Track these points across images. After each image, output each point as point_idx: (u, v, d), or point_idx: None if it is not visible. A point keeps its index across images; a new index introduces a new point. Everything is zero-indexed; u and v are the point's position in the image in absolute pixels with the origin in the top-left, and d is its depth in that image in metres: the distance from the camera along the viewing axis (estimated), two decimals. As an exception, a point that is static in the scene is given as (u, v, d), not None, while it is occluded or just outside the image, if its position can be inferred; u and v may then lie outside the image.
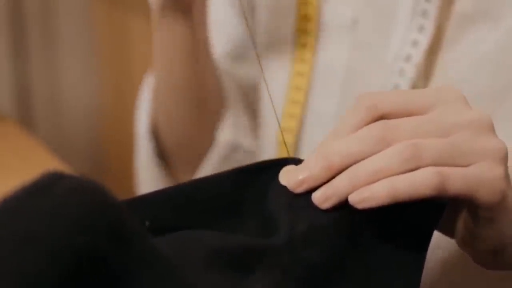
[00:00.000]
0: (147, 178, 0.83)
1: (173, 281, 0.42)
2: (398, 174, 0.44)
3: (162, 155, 0.81)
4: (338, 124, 0.48)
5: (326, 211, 0.46)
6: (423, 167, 0.44)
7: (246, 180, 0.50)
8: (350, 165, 0.46)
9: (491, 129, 0.47)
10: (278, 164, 0.49)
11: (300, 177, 0.46)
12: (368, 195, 0.44)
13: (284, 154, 0.73)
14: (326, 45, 0.72)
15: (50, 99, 1.63)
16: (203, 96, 0.78)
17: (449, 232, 0.52)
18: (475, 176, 0.45)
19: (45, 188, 0.39)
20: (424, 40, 0.66)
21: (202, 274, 0.45)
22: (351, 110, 0.47)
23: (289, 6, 0.73)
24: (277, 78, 0.75)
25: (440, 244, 0.63)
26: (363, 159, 0.45)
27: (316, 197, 0.46)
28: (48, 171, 0.40)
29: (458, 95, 0.48)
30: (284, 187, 0.48)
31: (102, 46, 1.61)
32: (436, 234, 0.51)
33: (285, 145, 0.73)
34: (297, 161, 0.49)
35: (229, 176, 0.50)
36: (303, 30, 0.73)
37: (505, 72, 0.65)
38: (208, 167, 0.80)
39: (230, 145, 0.81)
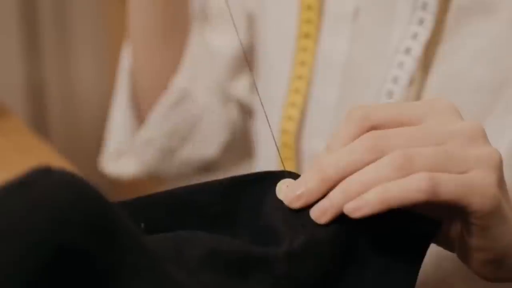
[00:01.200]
0: (119, 120, 0.87)
1: (162, 279, 0.42)
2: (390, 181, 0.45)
3: (135, 99, 0.85)
4: (332, 137, 0.48)
5: (323, 225, 0.46)
6: (415, 173, 0.44)
7: (240, 190, 0.50)
8: (345, 177, 0.46)
9: (484, 137, 0.47)
10: (274, 176, 0.49)
11: (297, 192, 0.47)
12: (360, 203, 0.44)
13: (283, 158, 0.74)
14: (327, 35, 0.73)
15: (63, 97, 1.64)
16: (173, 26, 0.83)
17: (447, 245, 0.52)
18: (467, 183, 0.45)
19: (29, 183, 0.39)
20: (424, 33, 0.67)
21: (195, 274, 0.45)
22: (344, 122, 0.48)
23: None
24: (280, 67, 0.76)
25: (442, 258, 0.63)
26: (357, 169, 0.46)
27: (314, 212, 0.46)
28: (36, 166, 0.40)
29: (450, 106, 0.48)
30: (281, 201, 0.48)
31: (115, 44, 1.61)
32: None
33: (281, 156, 0.75)
34: (294, 175, 0.49)
35: (223, 184, 0.50)
36: (306, 20, 0.73)
37: (503, 64, 0.65)
38: (160, 111, 0.83)
39: (181, 92, 0.84)
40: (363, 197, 0.44)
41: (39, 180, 0.39)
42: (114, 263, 0.40)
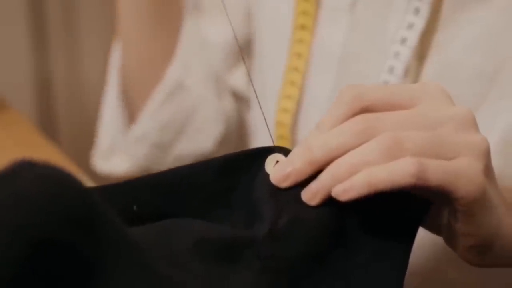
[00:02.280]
0: (109, 118, 0.86)
1: (145, 272, 0.42)
2: (378, 164, 0.45)
3: (125, 96, 0.85)
4: (324, 116, 0.48)
5: (312, 206, 0.47)
6: (403, 156, 0.44)
7: (234, 167, 0.50)
8: (334, 159, 0.46)
9: (474, 125, 0.47)
10: (265, 152, 0.49)
11: (285, 172, 0.47)
12: (348, 186, 0.44)
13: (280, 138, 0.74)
14: (324, 27, 0.73)
15: (69, 93, 1.64)
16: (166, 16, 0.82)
17: (435, 229, 0.52)
18: (454, 169, 0.45)
19: (10, 176, 0.39)
20: (420, 22, 0.67)
21: (183, 263, 0.45)
22: (336, 101, 0.48)
23: None
24: (276, 59, 0.76)
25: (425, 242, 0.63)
26: (345, 152, 0.46)
27: (305, 194, 0.47)
28: (18, 159, 0.40)
29: (443, 91, 0.48)
30: (268, 175, 0.48)
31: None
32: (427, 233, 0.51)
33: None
34: (285, 151, 0.49)
35: (215, 163, 0.50)
36: (303, 11, 0.73)
37: (498, 52, 0.65)
38: (152, 104, 0.82)
39: (175, 83, 0.83)
40: (350, 180, 0.44)
41: (21, 173, 0.39)
42: (96, 256, 0.40)
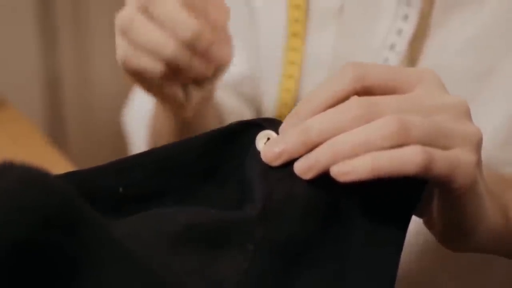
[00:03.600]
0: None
1: (130, 268, 0.42)
2: (383, 148, 0.43)
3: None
4: (323, 83, 0.47)
5: (305, 181, 0.45)
6: (410, 144, 0.44)
7: (221, 143, 0.49)
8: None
9: (469, 115, 0.47)
10: (255, 125, 0.48)
11: (277, 150, 0.46)
12: (349, 169, 0.43)
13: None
14: (314, 33, 0.73)
15: (79, 92, 1.64)
16: None
17: (416, 212, 0.52)
18: (455, 160, 0.45)
19: None
20: (409, 28, 0.67)
21: (171, 253, 0.44)
22: (338, 75, 0.46)
23: None
24: (271, 67, 0.76)
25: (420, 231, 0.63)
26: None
27: (298, 167, 0.45)
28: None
29: (439, 79, 0.48)
30: (259, 152, 0.47)
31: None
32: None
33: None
34: (276, 123, 0.48)
35: (203, 139, 0.49)
36: (294, 19, 0.73)
37: (489, 54, 0.65)
38: None
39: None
40: (353, 162, 0.43)
41: (1, 174, 0.39)
42: (78, 254, 0.40)
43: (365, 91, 0.46)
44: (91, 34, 1.62)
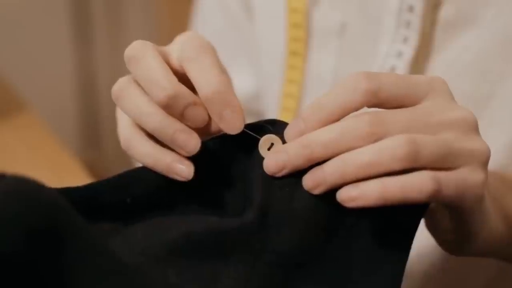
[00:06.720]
0: None
1: (120, 279, 0.42)
2: (391, 171, 0.43)
3: None
4: (332, 90, 0.45)
5: (306, 192, 0.45)
6: (418, 168, 0.43)
7: (224, 148, 0.48)
8: (333, 157, 0.44)
9: (476, 129, 0.47)
10: (258, 127, 0.47)
11: (280, 162, 0.45)
12: (357, 194, 0.43)
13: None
14: (315, 52, 0.72)
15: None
16: None
17: None
18: (463, 183, 0.45)
19: None
20: (408, 51, 0.66)
21: (170, 263, 0.45)
22: (350, 84, 0.45)
23: (279, 15, 0.73)
24: (271, 85, 0.76)
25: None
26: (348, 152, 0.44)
27: (306, 183, 0.45)
28: None
29: (447, 88, 0.47)
30: (261, 158, 0.47)
31: (166, 37, 1.62)
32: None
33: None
34: (278, 125, 0.47)
35: (206, 147, 0.48)
36: (294, 38, 0.73)
37: (488, 79, 0.64)
38: None
39: None
40: (359, 187, 0.43)
41: None
42: (64, 268, 0.40)
43: (375, 104, 0.45)
44: (125, 31, 1.63)
